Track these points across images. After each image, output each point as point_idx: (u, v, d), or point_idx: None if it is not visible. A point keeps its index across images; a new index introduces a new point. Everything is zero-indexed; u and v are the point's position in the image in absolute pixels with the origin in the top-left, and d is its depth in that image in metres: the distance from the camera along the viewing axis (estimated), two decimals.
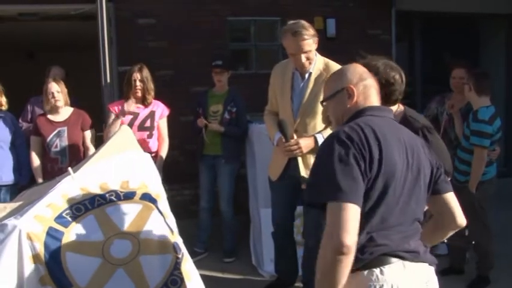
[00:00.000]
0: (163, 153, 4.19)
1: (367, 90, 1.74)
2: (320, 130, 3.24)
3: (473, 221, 3.70)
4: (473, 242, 3.87)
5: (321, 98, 2.98)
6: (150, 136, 4.12)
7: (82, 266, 2.19)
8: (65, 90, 3.88)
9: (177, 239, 2.45)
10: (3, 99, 3.95)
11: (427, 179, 1.70)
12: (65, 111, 3.92)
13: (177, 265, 2.32)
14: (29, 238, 2.16)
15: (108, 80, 4.40)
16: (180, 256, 2.37)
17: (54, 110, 3.86)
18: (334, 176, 1.46)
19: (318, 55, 3.25)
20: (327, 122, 3.20)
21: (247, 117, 4.53)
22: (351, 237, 1.40)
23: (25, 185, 3.77)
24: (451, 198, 1.78)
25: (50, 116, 3.88)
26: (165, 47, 5.52)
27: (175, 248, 2.37)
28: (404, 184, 1.59)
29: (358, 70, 1.78)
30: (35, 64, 7.40)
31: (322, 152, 1.58)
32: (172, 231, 2.46)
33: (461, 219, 1.78)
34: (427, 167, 1.70)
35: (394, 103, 2.43)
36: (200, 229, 4.58)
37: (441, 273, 3.93)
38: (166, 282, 2.26)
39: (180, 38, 5.53)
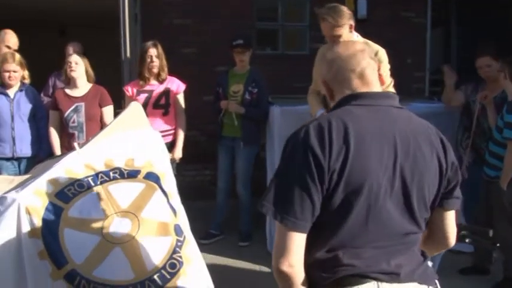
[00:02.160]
0: (182, 129, 4.14)
1: (344, 65, 1.49)
2: None
3: (500, 219, 3.49)
4: (498, 244, 3.66)
5: (386, 80, 3.02)
6: (166, 113, 4.08)
7: (80, 243, 2.16)
8: (86, 65, 3.86)
9: (179, 221, 2.39)
10: (26, 73, 3.97)
11: (431, 186, 1.44)
12: (84, 87, 3.91)
13: (177, 248, 2.26)
14: (28, 212, 2.14)
15: (128, 56, 4.35)
16: (181, 239, 2.32)
17: (72, 83, 3.85)
18: (279, 191, 1.35)
19: (359, 36, 3.21)
20: None
21: (269, 99, 4.41)
22: (287, 263, 1.34)
23: (44, 158, 3.80)
24: (451, 216, 1.55)
25: (68, 91, 3.88)
26: (190, 25, 5.44)
27: (176, 230, 2.32)
28: (385, 194, 1.37)
29: (330, 51, 1.56)
30: (67, 41, 7.49)
31: (283, 151, 1.41)
32: (175, 212, 2.40)
33: (451, 241, 1.59)
34: (431, 171, 1.44)
35: None
36: (216, 211, 4.54)
37: (462, 272, 3.76)
38: (165, 265, 2.20)
39: (206, 16, 5.43)
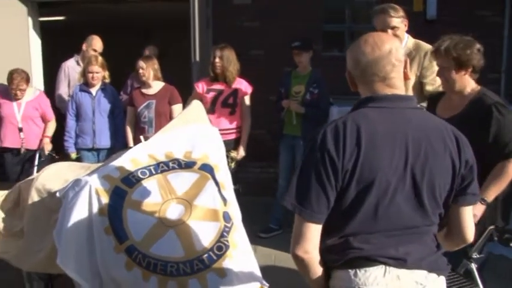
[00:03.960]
0: (247, 128, 4.37)
1: (369, 69, 1.54)
2: None
3: None
4: None
5: (411, 76, 3.04)
6: (232, 113, 4.32)
7: (139, 223, 2.44)
8: (155, 66, 4.21)
9: (229, 209, 2.60)
10: (107, 74, 4.42)
11: (443, 184, 1.52)
12: (156, 86, 4.27)
13: (224, 233, 2.47)
14: (97, 193, 2.46)
15: (198, 59, 4.66)
16: (229, 225, 2.52)
17: (146, 84, 4.23)
18: (299, 187, 1.49)
19: (410, 37, 3.26)
20: (418, 98, 3.18)
21: (330, 100, 4.52)
22: (303, 249, 1.50)
23: (120, 149, 4.21)
24: (467, 212, 1.62)
25: (143, 89, 4.27)
26: (259, 27, 5.64)
27: (225, 217, 2.53)
28: (394, 190, 1.47)
29: (357, 46, 1.57)
30: (150, 43, 8.02)
31: (304, 150, 1.55)
32: (225, 201, 2.61)
33: (469, 236, 1.65)
34: (444, 170, 1.52)
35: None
36: (276, 206, 4.71)
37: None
38: (212, 247, 2.42)
39: (274, 18, 5.61)
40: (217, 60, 4.21)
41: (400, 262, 1.49)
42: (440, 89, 2.99)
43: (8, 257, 2.80)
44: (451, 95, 2.61)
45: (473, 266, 2.42)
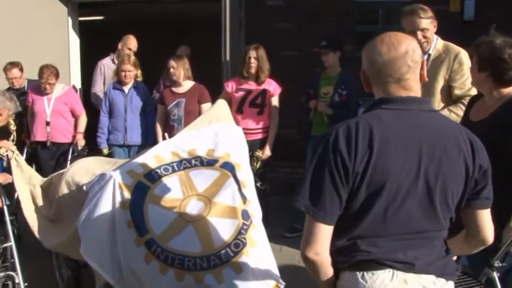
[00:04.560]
0: (274, 129, 4.40)
1: (384, 70, 1.50)
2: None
3: None
4: None
5: (439, 79, 3.04)
6: (260, 112, 4.36)
7: (160, 217, 2.51)
8: (185, 66, 4.30)
9: (248, 207, 2.63)
10: (139, 72, 4.56)
11: (456, 188, 1.50)
12: (186, 85, 4.36)
13: (242, 230, 2.51)
14: (120, 187, 2.56)
15: (228, 58, 4.72)
16: (247, 223, 2.56)
17: (177, 82, 4.32)
18: (312, 188, 1.47)
19: (439, 38, 3.19)
20: (445, 102, 3.13)
21: (359, 101, 4.49)
22: (314, 251, 1.47)
23: (150, 146, 4.32)
24: (484, 215, 1.59)
25: (173, 88, 4.37)
26: (292, 29, 5.66)
27: (243, 215, 2.57)
28: (405, 194, 1.45)
29: (373, 45, 1.53)
30: (188, 42, 8.18)
31: (313, 150, 1.52)
32: (245, 199, 2.65)
33: (488, 238, 1.61)
34: (457, 174, 1.50)
35: (506, 84, 2.27)
36: None
37: None
38: (230, 244, 2.46)
39: (307, 19, 5.61)
40: (252, 60, 4.26)
41: (408, 266, 1.48)
42: (471, 93, 2.92)
43: (37, 234, 2.95)
44: (487, 96, 2.50)
45: (495, 275, 2.35)
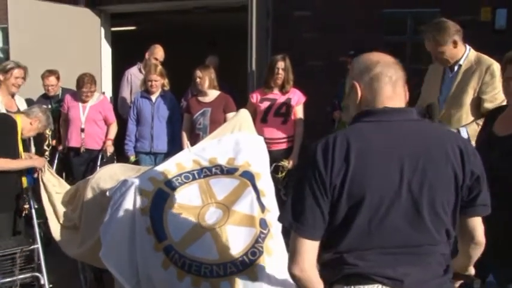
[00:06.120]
0: (299, 138, 4.40)
1: (374, 83, 1.51)
2: (465, 123, 3.06)
3: None
4: None
5: (469, 90, 2.99)
6: (285, 122, 4.37)
7: (178, 224, 2.55)
8: (211, 75, 4.36)
9: (267, 216, 2.65)
10: (166, 81, 4.65)
11: (445, 197, 1.48)
12: (212, 94, 4.42)
13: (259, 239, 2.52)
14: (141, 194, 2.61)
15: (254, 68, 4.77)
16: (265, 232, 2.57)
17: (203, 92, 4.39)
18: (294, 203, 1.48)
19: (472, 50, 3.11)
20: (475, 115, 3.04)
21: None
22: (299, 268, 1.47)
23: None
24: (478, 221, 1.59)
25: (199, 97, 4.44)
26: (318, 39, 5.69)
27: (261, 224, 2.58)
28: (389, 206, 1.44)
29: (367, 59, 1.55)
30: (217, 52, 8.31)
31: (300, 166, 1.55)
32: (263, 208, 2.66)
33: (482, 238, 1.61)
34: (444, 183, 1.47)
35: None
36: None
37: None
38: (247, 252, 2.48)
39: (334, 29, 5.63)
40: (280, 71, 4.30)
41: (397, 283, 1.45)
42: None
43: (61, 244, 3.05)
44: None
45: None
